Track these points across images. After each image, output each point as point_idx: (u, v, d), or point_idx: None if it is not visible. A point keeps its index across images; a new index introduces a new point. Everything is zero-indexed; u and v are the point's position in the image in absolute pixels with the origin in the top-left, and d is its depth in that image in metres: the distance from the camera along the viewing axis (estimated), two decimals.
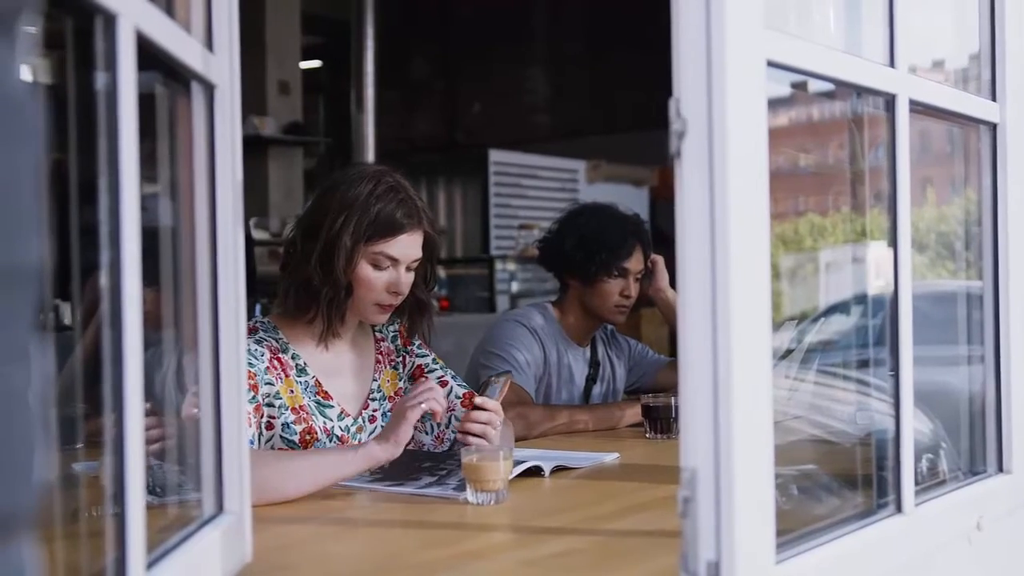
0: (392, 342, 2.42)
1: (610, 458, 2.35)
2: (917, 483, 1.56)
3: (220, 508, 1.38)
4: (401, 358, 2.42)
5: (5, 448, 0.58)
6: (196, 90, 1.34)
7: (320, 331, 2.25)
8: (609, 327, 3.22)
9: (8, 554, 0.59)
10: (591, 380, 3.14)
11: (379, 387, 2.36)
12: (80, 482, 1.39)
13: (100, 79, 1.02)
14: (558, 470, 2.18)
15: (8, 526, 0.59)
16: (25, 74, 0.62)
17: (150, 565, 1.09)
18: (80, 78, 1.06)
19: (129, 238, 1.02)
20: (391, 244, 2.20)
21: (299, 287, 2.21)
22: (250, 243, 3.18)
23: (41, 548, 0.65)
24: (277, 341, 2.23)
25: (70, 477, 1.44)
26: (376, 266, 2.20)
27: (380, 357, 2.39)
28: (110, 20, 1.00)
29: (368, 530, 1.77)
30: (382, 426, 2.30)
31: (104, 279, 1.02)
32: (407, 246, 2.22)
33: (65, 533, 1.21)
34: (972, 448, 1.87)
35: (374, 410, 2.34)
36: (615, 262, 3.00)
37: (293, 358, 2.23)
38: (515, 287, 7.54)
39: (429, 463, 2.13)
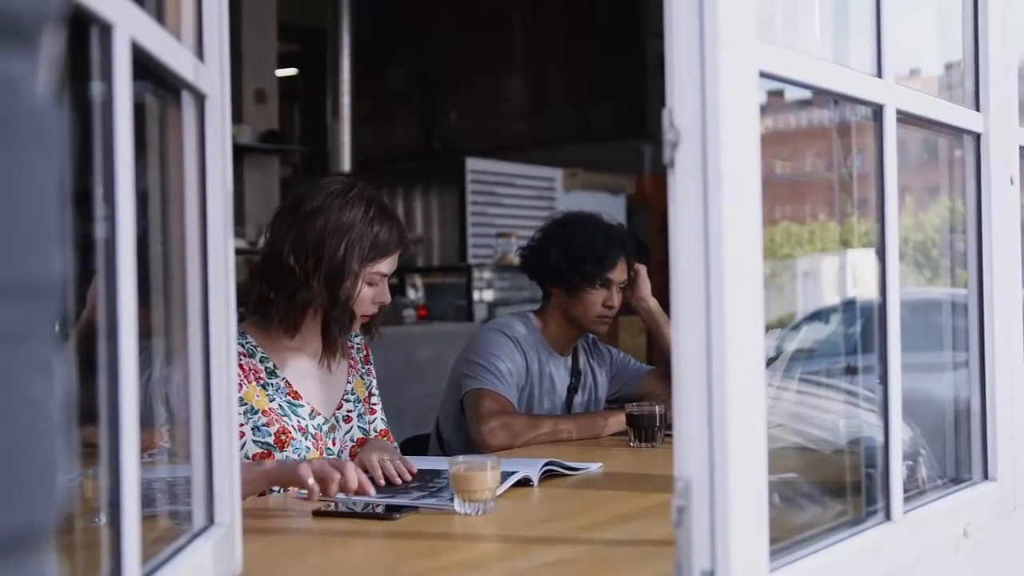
0: (357, 352, 2.51)
1: (595, 467, 2.35)
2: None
3: (211, 520, 1.37)
4: (366, 369, 2.52)
5: (29, 461, 0.58)
6: (186, 99, 1.34)
7: (317, 346, 2.33)
8: (591, 336, 3.22)
9: (32, 566, 0.59)
10: (573, 389, 3.14)
11: (352, 389, 2.43)
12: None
13: (95, 88, 1.02)
14: (547, 476, 2.18)
15: (32, 539, 0.59)
16: (47, 85, 0.62)
17: None
18: (73, 87, 1.05)
19: (125, 247, 1.01)
20: (386, 263, 2.32)
21: (299, 307, 2.26)
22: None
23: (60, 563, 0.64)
24: (243, 346, 2.26)
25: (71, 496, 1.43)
26: (370, 284, 2.30)
27: (352, 362, 2.46)
28: (106, 30, 0.99)
29: (357, 541, 1.76)
30: (358, 427, 2.40)
31: (99, 289, 1.01)
32: (395, 262, 2.35)
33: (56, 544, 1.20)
34: (957, 455, 1.88)
35: (348, 411, 2.41)
36: (599, 273, 3.00)
37: (262, 361, 2.28)
38: (493, 296, 7.53)
39: (418, 482, 2.13)
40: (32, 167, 0.59)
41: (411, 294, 7.46)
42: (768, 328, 2.18)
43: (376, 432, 2.44)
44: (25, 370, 0.58)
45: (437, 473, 2.19)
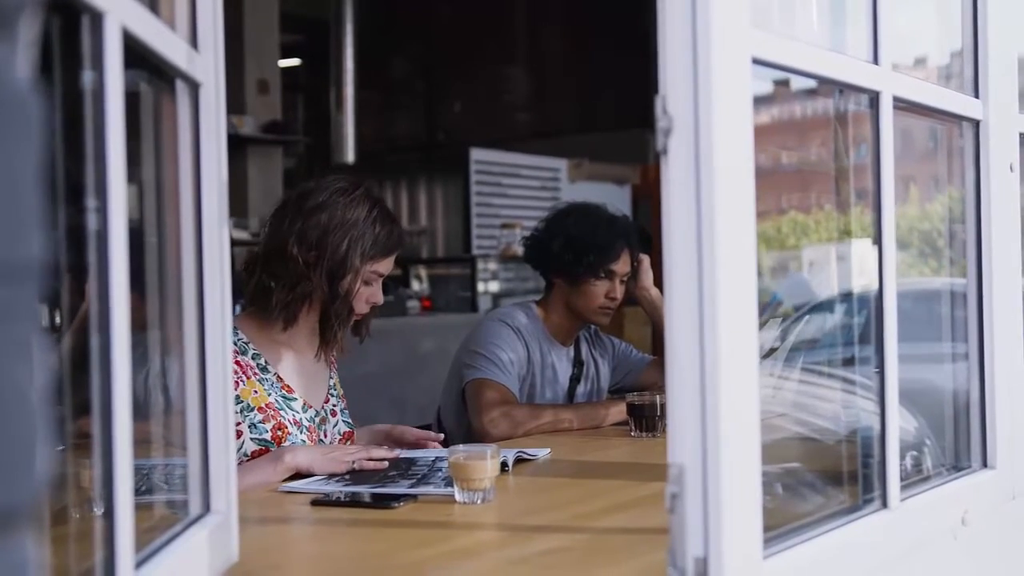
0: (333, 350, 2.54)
1: (542, 453, 2.37)
2: (902, 479, 1.56)
3: (207, 508, 1.37)
4: (336, 368, 2.55)
5: (7, 443, 0.59)
6: (181, 88, 1.34)
7: (307, 341, 2.37)
8: (593, 326, 3.21)
9: (11, 548, 0.59)
10: (575, 379, 3.14)
11: (334, 385, 2.48)
12: (65, 483, 1.39)
13: (86, 77, 1.02)
14: (519, 462, 2.23)
15: (10, 521, 0.59)
16: (26, 72, 0.62)
17: (138, 565, 1.09)
18: (65, 76, 1.06)
19: (116, 238, 1.02)
20: (384, 263, 2.35)
21: (299, 299, 2.29)
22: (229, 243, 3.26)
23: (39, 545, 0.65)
24: (236, 343, 2.26)
25: (52, 478, 1.43)
26: (366, 282, 2.33)
27: (332, 360, 2.50)
28: (97, 18, 0.99)
29: (355, 530, 1.76)
30: (343, 421, 2.45)
31: (91, 281, 1.02)
32: (392, 263, 2.38)
33: (48, 533, 1.20)
34: (956, 444, 1.88)
35: (333, 405, 2.45)
36: (603, 264, 2.99)
37: (253, 358, 2.31)
38: (497, 287, 7.53)
39: (395, 472, 2.13)
40: (11, 152, 0.59)
41: (415, 285, 7.46)
42: (774, 318, 2.18)
43: (340, 435, 2.46)
44: (5, 352, 0.58)
45: (412, 461, 2.22)
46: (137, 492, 1.13)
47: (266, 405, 2.25)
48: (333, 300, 2.28)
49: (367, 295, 2.34)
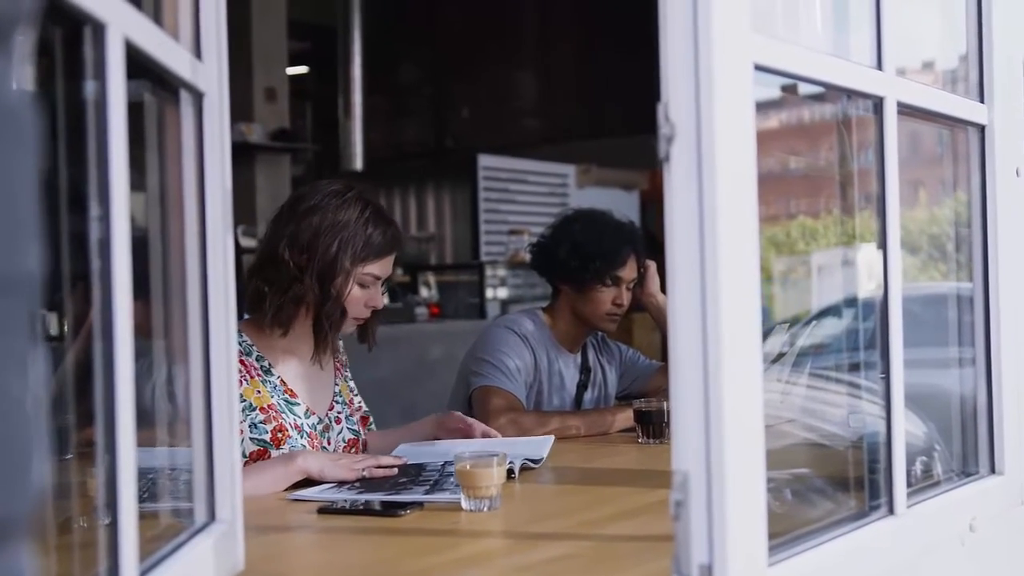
0: (342, 356, 2.55)
1: (547, 443, 2.39)
2: (910, 485, 1.56)
3: (212, 517, 1.37)
4: (347, 374, 2.55)
5: (3, 454, 0.59)
6: (184, 98, 1.34)
7: (309, 347, 2.36)
8: (600, 333, 3.21)
9: (7, 559, 0.59)
10: (582, 386, 3.14)
11: (339, 392, 2.47)
12: (71, 492, 1.39)
13: (89, 87, 1.02)
14: (525, 469, 2.22)
15: (7, 531, 0.59)
16: (22, 83, 0.62)
17: (143, 573, 1.09)
18: (68, 86, 1.06)
19: (120, 247, 1.02)
20: (379, 265, 2.34)
21: (291, 302, 2.29)
22: (238, 251, 3.24)
23: (36, 556, 0.65)
24: (240, 345, 2.28)
25: (59, 487, 1.44)
26: (362, 285, 2.33)
27: (338, 366, 2.50)
28: (99, 29, 1.00)
29: (361, 538, 1.76)
30: (347, 428, 2.45)
31: (94, 289, 1.02)
32: (390, 265, 2.37)
33: (54, 543, 1.20)
34: (964, 449, 1.87)
35: (338, 412, 2.45)
36: (609, 271, 2.99)
37: (258, 360, 2.31)
38: (506, 293, 7.52)
39: (405, 479, 2.13)
40: (7, 164, 0.59)
41: (423, 292, 7.46)
42: (781, 323, 2.17)
43: (359, 422, 2.48)
44: (1, 364, 0.58)
45: (422, 467, 2.21)
46: (141, 499, 1.13)
47: (268, 406, 2.26)
48: (324, 302, 2.28)
49: (365, 298, 2.33)
